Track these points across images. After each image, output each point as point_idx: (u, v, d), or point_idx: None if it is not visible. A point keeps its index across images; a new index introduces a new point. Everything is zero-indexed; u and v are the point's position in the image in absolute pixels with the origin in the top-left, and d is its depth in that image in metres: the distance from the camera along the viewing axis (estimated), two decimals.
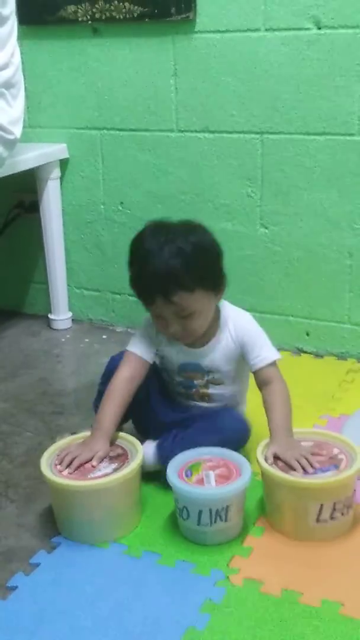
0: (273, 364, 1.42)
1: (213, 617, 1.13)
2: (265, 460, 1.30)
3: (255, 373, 1.43)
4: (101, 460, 1.33)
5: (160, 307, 1.34)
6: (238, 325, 1.44)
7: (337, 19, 1.76)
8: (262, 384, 1.42)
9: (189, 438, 1.41)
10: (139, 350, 1.44)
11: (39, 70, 2.15)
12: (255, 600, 1.16)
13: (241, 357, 1.45)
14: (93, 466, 1.32)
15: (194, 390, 1.49)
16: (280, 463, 1.30)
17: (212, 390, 1.48)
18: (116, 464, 1.32)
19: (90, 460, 1.32)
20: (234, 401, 1.52)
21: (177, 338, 1.40)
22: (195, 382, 1.48)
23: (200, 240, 1.35)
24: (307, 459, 1.29)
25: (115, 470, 1.30)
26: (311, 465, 1.28)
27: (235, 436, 1.44)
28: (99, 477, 1.29)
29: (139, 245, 1.36)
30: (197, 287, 1.33)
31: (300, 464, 1.28)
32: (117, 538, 1.30)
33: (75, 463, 1.31)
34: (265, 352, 1.42)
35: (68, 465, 1.32)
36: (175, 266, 1.30)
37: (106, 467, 1.31)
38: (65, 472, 1.31)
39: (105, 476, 1.28)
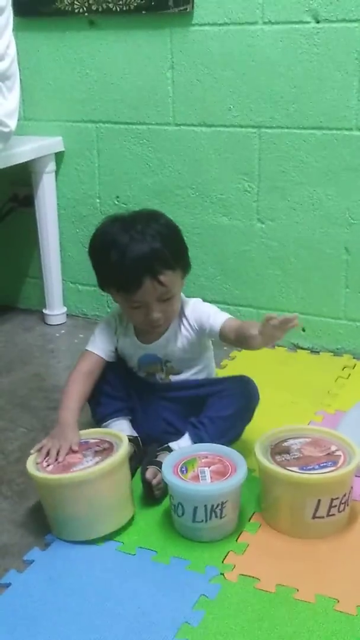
0: (230, 318, 1.46)
1: (207, 614, 1.12)
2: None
3: (220, 335, 1.45)
4: (78, 445, 1.34)
5: (145, 291, 1.37)
6: (190, 311, 1.48)
7: (336, 12, 1.75)
8: (230, 333, 1.43)
9: (218, 416, 1.44)
10: (96, 349, 1.50)
11: (35, 62, 2.13)
12: (250, 596, 1.15)
13: (204, 339, 1.50)
14: (74, 451, 1.32)
15: (158, 383, 1.53)
16: (278, 459, 1.30)
17: (173, 379, 1.52)
18: (100, 457, 1.30)
19: (71, 448, 1.33)
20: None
21: (155, 325, 1.43)
22: (157, 375, 1.53)
23: (168, 223, 1.44)
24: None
25: (98, 463, 1.29)
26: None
27: (256, 394, 1.49)
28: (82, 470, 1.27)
29: (112, 237, 1.39)
30: (177, 266, 1.40)
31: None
32: (105, 535, 1.28)
33: (62, 452, 1.32)
34: (219, 315, 1.46)
35: (56, 459, 1.31)
36: (159, 247, 1.37)
37: (90, 461, 1.30)
38: (50, 468, 1.29)
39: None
